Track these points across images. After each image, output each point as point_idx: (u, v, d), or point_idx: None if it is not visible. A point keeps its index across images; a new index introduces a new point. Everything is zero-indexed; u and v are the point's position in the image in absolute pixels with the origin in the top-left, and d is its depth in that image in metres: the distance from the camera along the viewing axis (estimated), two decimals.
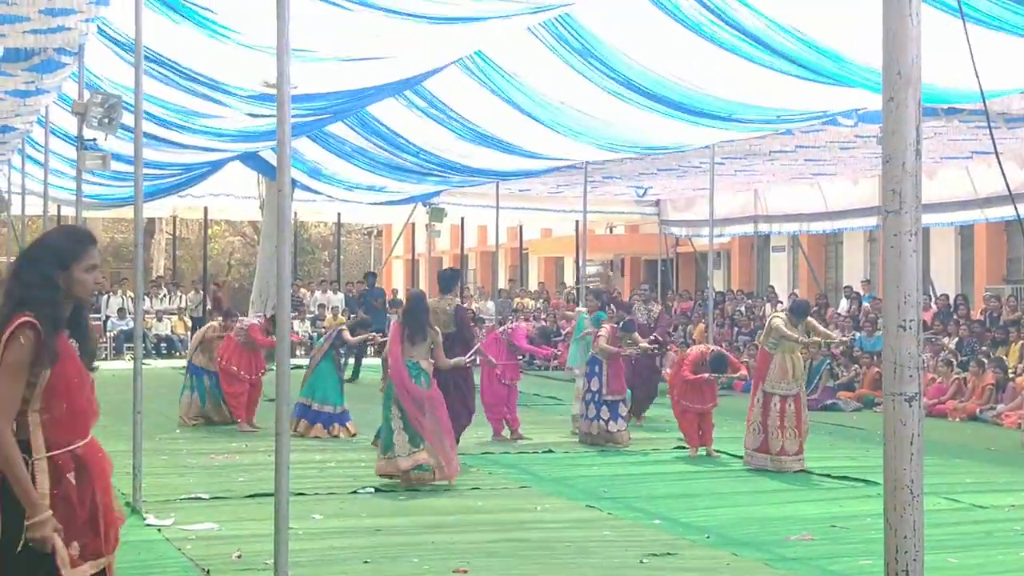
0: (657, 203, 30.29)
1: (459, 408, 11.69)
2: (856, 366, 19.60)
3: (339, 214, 34.30)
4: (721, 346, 15.84)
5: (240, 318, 15.80)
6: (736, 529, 8.79)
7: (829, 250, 29.20)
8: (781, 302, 26.65)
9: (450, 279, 12.96)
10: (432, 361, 10.48)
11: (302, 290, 32.88)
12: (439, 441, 10.29)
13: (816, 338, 12.36)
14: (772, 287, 28.28)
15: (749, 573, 7.28)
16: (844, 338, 18.52)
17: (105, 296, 30.62)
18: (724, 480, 11.24)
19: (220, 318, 15.96)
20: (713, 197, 17.88)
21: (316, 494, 9.95)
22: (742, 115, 13.61)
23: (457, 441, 11.12)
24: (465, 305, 15.68)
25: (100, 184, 21.70)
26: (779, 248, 30.49)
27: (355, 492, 10.16)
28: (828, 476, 11.29)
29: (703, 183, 22.76)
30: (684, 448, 13.01)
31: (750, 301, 27.15)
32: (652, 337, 15.25)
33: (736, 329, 24.36)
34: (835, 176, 23.27)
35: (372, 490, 10.19)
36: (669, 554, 7.78)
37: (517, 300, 31.51)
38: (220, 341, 14.99)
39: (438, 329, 10.79)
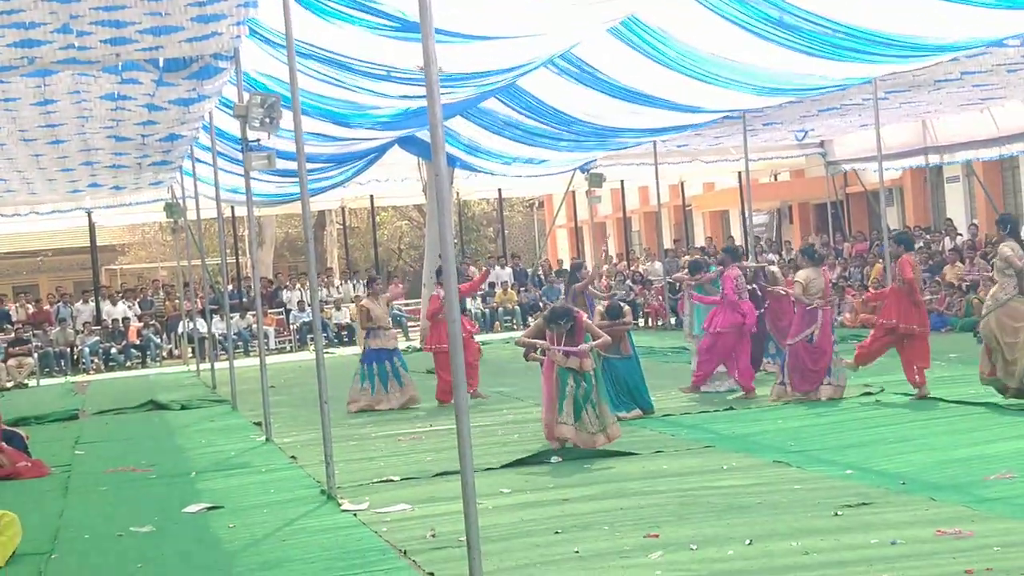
0: (822, 144, 29.55)
1: None
2: None
3: (499, 189, 34.55)
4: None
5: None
6: (932, 473, 8.53)
7: (1005, 176, 28.09)
8: (960, 234, 25.80)
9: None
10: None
11: (471, 268, 33.23)
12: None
13: None
14: (950, 220, 27.40)
15: (950, 517, 7.06)
16: None
17: (285, 289, 31.51)
18: (914, 424, 10.91)
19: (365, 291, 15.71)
20: (879, 132, 17.37)
21: (503, 468, 10.04)
22: (904, 47, 13.17)
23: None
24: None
25: (270, 182, 22.30)
26: (953, 179, 29.45)
27: (541, 463, 10.21)
28: None
29: (867, 119, 22.15)
30: (869, 395, 12.71)
31: (928, 236, 26.34)
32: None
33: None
34: (1005, 100, 22.33)
35: (559, 460, 10.23)
36: (864, 504, 7.60)
37: (684, 259, 31.19)
38: (378, 310, 14.96)
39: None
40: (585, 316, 11.13)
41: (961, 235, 25.91)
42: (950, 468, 8.65)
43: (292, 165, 12.57)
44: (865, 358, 12.86)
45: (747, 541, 6.82)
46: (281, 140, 13.98)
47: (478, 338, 17.97)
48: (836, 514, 7.38)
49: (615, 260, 34.43)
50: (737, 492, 8.36)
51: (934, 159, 26.95)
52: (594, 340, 10.61)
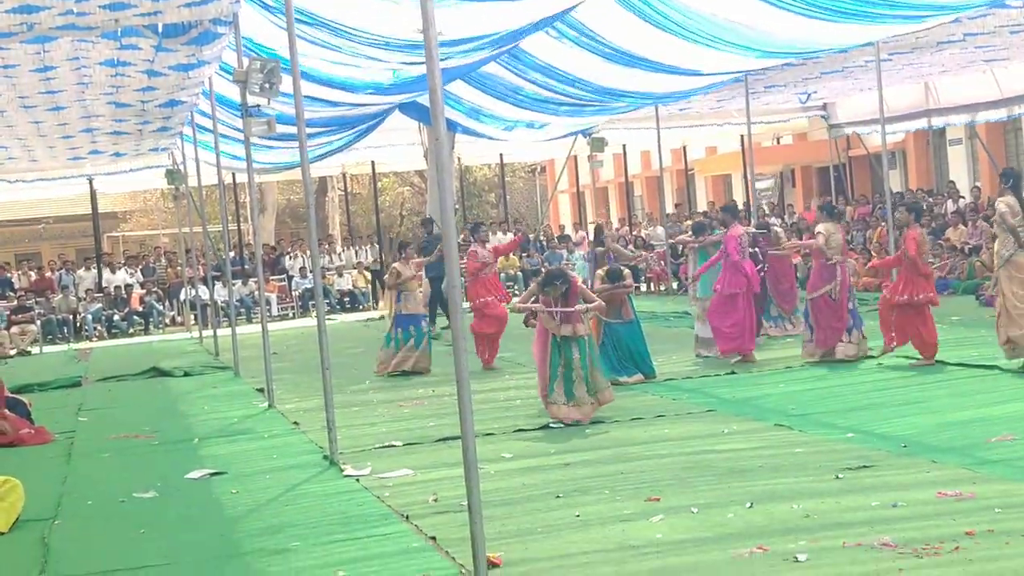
0: (824, 107, 29.42)
1: None
2: None
3: (501, 154, 34.44)
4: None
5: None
6: (933, 435, 8.55)
7: (1008, 138, 28.00)
8: (963, 197, 25.73)
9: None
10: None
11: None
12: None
13: None
14: (952, 182, 27.32)
15: (951, 479, 7.08)
16: None
17: (287, 256, 31.51)
18: (915, 386, 10.93)
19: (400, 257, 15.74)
20: (882, 94, 17.28)
21: (504, 433, 10.07)
22: (906, 7, 13.09)
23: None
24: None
25: (271, 148, 22.24)
26: (956, 141, 29.34)
27: (542, 428, 10.23)
28: None
29: (870, 82, 22.05)
30: (871, 358, 12.70)
31: (931, 199, 26.28)
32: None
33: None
34: (1008, 61, 22.20)
35: (561, 425, 10.25)
36: (865, 467, 7.61)
37: (687, 223, 31.16)
38: (408, 273, 14.96)
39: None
40: (580, 280, 11.12)
41: (964, 198, 25.85)
42: (951, 431, 8.66)
43: (293, 130, 12.52)
44: (900, 338, 12.46)
45: (748, 504, 6.84)
46: (281, 104, 13.94)
47: None
48: (837, 477, 7.40)
49: (617, 225, 34.39)
50: (738, 456, 8.38)
51: (937, 121, 26.82)
52: (585, 304, 10.59)
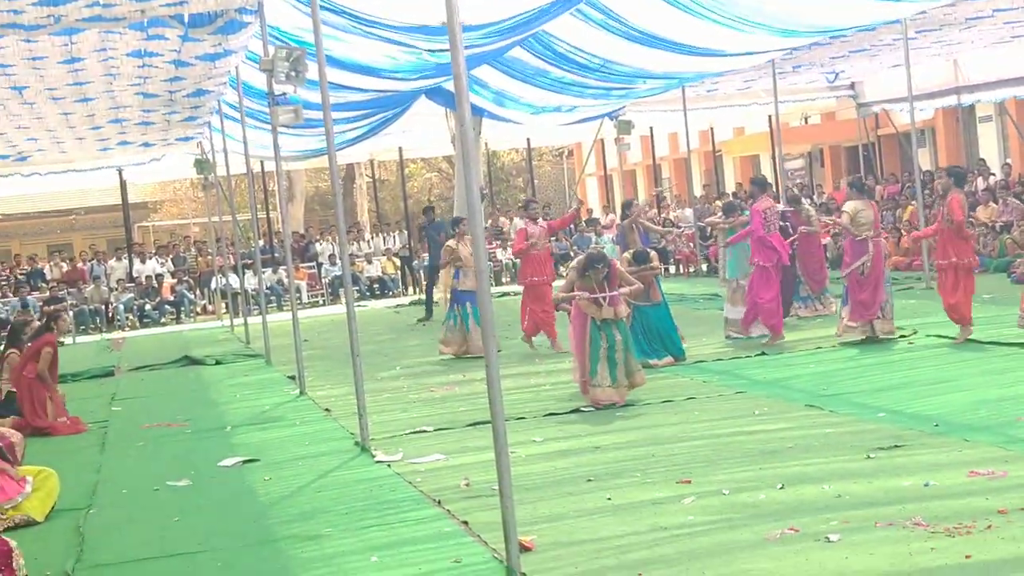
0: (852, 86, 29.21)
1: None
2: None
3: (528, 139, 34.39)
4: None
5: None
6: (965, 414, 8.51)
7: None
8: (994, 174, 25.51)
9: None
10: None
11: (501, 219, 33.16)
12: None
13: None
14: (983, 160, 27.09)
15: (983, 458, 7.05)
16: None
17: (316, 243, 31.60)
18: (947, 365, 10.87)
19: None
20: (910, 72, 17.15)
21: (535, 417, 10.09)
22: None
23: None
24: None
25: (299, 136, 22.29)
26: (986, 118, 29.08)
27: (573, 411, 10.25)
28: None
29: (897, 60, 21.87)
30: (903, 337, 12.64)
31: None
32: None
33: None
34: None
35: (591, 409, 10.25)
36: (896, 446, 7.59)
37: (716, 204, 31.04)
38: (465, 251, 14.89)
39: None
40: (617, 263, 11.10)
41: (994, 175, 25.63)
42: (983, 409, 8.62)
43: (319, 115, 12.54)
44: (959, 309, 12.22)
45: (779, 485, 6.83)
46: (309, 92, 13.97)
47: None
48: (868, 457, 7.38)
49: (647, 208, 34.28)
50: (769, 437, 8.37)
51: (966, 99, 26.56)
52: (626, 287, 10.58)
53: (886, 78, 27.40)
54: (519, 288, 16.13)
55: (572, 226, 31.76)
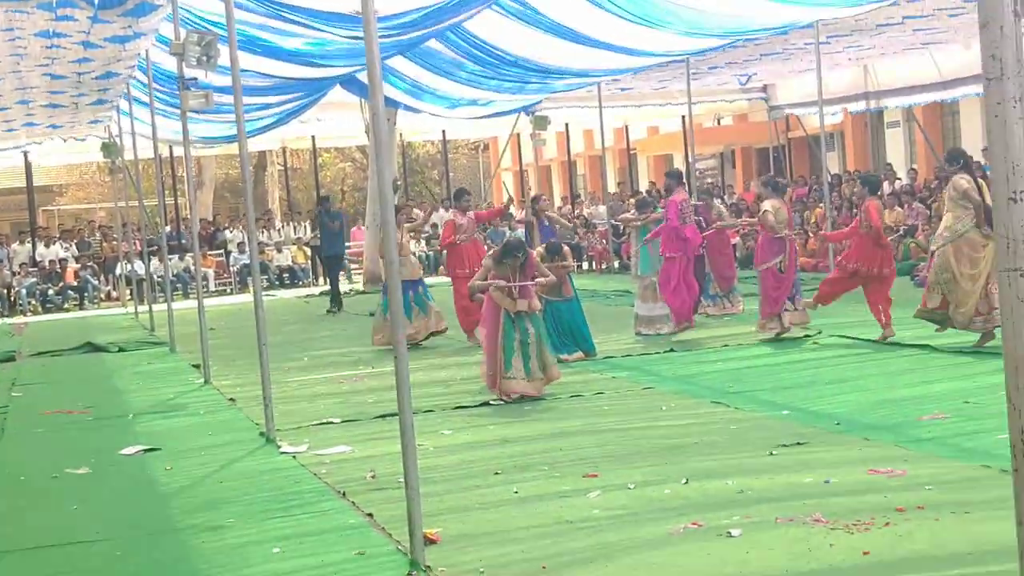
0: (764, 88, 29.61)
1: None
2: None
3: (444, 131, 34.33)
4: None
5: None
6: (867, 413, 8.65)
7: (945, 121, 28.33)
8: (900, 179, 26.01)
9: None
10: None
11: (415, 210, 33.00)
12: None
13: None
14: (889, 164, 27.62)
15: (883, 457, 7.17)
16: None
17: (225, 231, 31.23)
18: (851, 365, 11.06)
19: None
20: (821, 76, 17.41)
21: (444, 410, 10.06)
22: None
23: None
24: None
25: (209, 122, 21.99)
26: (893, 123, 29.66)
27: (482, 404, 10.24)
28: (960, 352, 11.05)
29: (809, 64, 22.22)
30: (809, 336, 12.86)
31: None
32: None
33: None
34: (946, 44, 22.46)
35: (501, 402, 10.25)
36: (799, 444, 7.69)
37: (630, 201, 31.25)
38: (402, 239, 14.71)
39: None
40: (535, 253, 11.11)
41: (900, 180, 26.13)
42: (884, 409, 8.77)
43: (229, 100, 12.37)
44: (826, 298, 12.87)
45: (683, 480, 6.89)
46: (219, 77, 13.77)
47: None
48: (771, 454, 7.47)
49: (560, 205, 34.42)
50: (675, 432, 8.44)
51: (875, 104, 27.10)
52: (541, 278, 10.59)
53: (797, 82, 27.84)
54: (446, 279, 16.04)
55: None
